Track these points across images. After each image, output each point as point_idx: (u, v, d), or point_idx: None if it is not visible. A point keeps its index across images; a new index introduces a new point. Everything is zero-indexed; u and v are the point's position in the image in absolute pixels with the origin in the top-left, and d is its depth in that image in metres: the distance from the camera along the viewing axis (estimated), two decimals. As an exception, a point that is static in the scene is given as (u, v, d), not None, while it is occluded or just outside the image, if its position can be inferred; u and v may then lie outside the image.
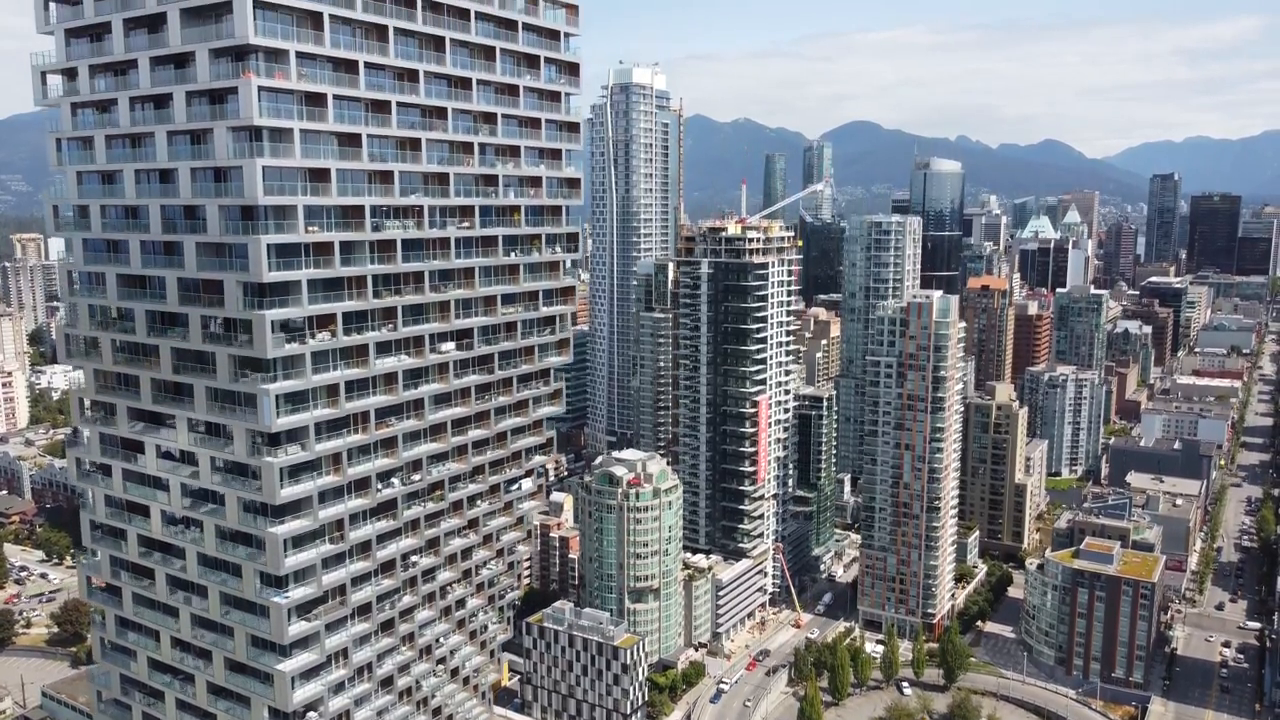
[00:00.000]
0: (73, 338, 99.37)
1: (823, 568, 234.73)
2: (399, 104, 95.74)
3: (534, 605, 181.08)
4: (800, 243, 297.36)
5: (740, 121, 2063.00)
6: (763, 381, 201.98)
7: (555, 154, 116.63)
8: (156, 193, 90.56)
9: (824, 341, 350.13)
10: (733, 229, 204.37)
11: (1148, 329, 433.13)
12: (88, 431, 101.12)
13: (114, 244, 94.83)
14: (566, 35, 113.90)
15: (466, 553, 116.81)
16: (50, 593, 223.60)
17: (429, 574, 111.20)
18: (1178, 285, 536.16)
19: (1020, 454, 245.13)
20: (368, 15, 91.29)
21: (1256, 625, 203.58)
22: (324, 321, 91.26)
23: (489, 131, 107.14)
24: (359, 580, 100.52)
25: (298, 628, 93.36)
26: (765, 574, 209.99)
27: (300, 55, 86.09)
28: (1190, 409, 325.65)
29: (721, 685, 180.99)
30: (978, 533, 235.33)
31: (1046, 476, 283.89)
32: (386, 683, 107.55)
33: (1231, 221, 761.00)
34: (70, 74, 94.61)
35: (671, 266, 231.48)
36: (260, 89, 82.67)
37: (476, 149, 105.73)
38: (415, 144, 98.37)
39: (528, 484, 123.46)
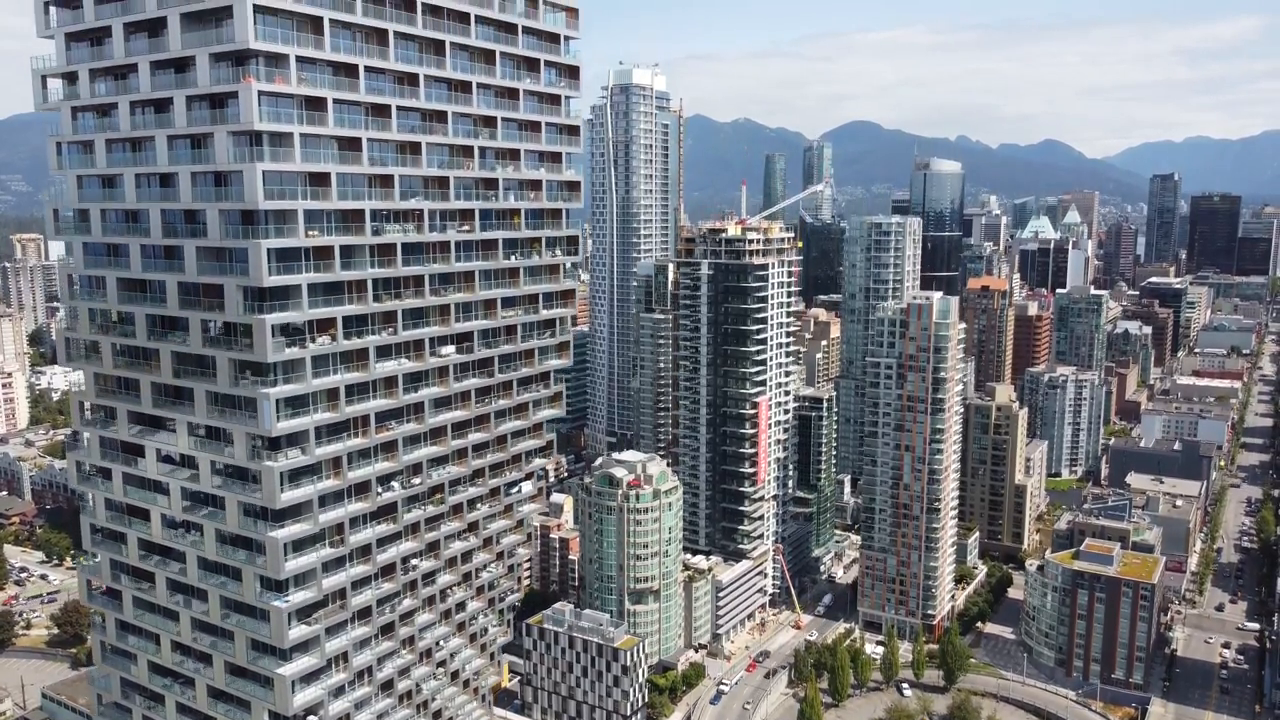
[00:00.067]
0: (73, 341, 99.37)
1: (823, 569, 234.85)
2: (399, 108, 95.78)
3: (534, 606, 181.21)
4: (800, 243, 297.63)
5: (740, 121, 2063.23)
6: (763, 382, 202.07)
7: (555, 157, 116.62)
8: (157, 197, 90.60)
9: (824, 342, 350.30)
10: (733, 230, 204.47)
11: (1148, 329, 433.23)
12: (88, 434, 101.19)
13: (114, 248, 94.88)
14: (566, 38, 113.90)
15: (467, 556, 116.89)
16: (49, 594, 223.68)
17: (429, 577, 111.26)
18: (1178, 285, 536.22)
19: (1020, 455, 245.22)
20: (368, 19, 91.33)
21: (1255, 626, 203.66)
22: (324, 325, 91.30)
23: (489, 135, 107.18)
24: (359, 584, 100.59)
25: (298, 631, 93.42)
26: (765, 575, 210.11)
27: (300, 60, 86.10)
28: (1190, 409, 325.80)
29: (721, 686, 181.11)
30: (978, 534, 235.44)
31: (1046, 477, 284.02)
32: (387, 686, 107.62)
33: (1231, 221, 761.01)
34: (71, 78, 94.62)
35: (671, 267, 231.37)
36: (260, 93, 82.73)
37: (476, 152, 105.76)
38: (415, 148, 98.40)
39: (528, 487, 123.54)
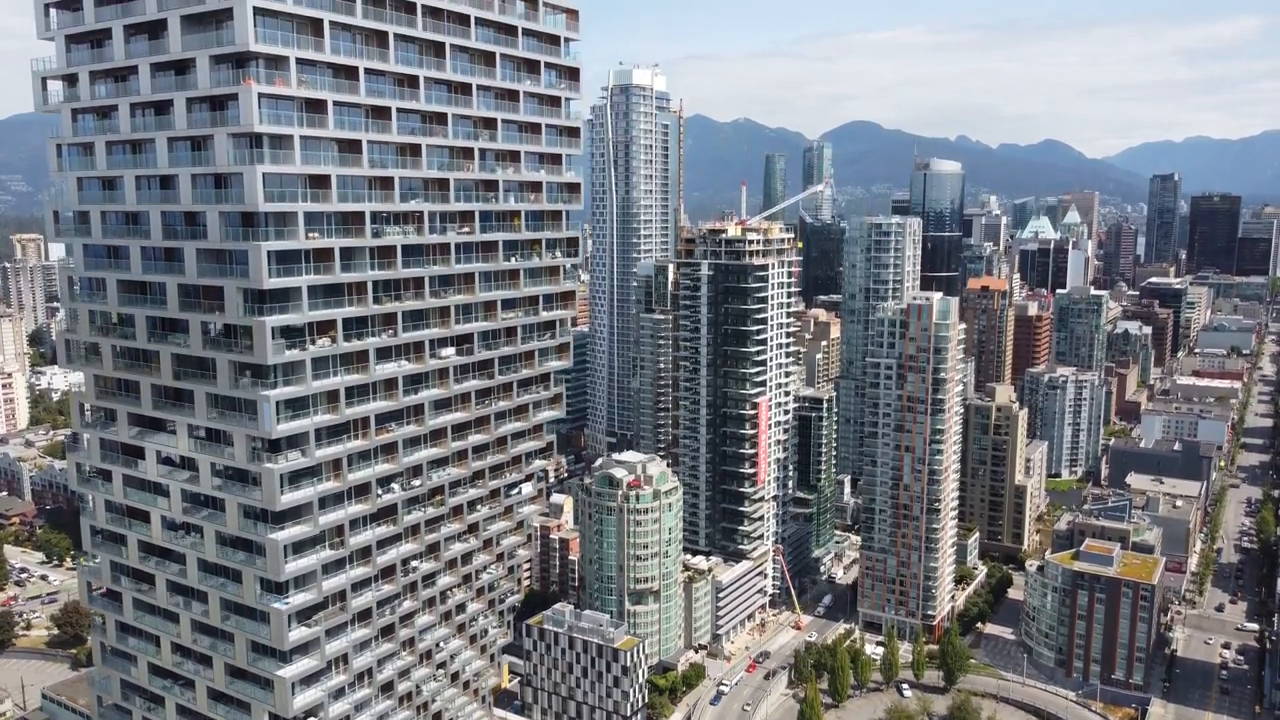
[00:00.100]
0: (73, 343, 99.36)
1: (823, 569, 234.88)
2: (399, 110, 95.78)
3: (534, 607, 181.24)
4: (800, 244, 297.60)
5: (740, 121, 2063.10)
6: (763, 383, 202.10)
7: (555, 159, 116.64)
8: (157, 199, 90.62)
9: (824, 343, 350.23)
10: (732, 231, 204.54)
11: (1148, 330, 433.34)
12: (88, 436, 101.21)
13: (114, 250, 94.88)
14: (566, 40, 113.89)
15: (467, 557, 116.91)
16: (48, 595, 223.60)
17: (429, 579, 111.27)
18: (1178, 286, 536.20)
19: (1020, 455, 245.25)
20: (368, 21, 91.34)
21: (1255, 627, 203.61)
22: (324, 327, 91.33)
23: (489, 137, 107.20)
24: (359, 585, 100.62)
25: (298, 633, 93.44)
26: (765, 576, 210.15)
27: (300, 62, 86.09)
28: (1190, 410, 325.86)
29: (721, 687, 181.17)
30: (978, 534, 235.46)
31: (1046, 478, 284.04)
32: (387, 688, 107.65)
33: (1231, 222, 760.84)
34: (71, 80, 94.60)
35: (671, 268, 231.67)
36: (260, 95, 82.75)
37: (477, 154, 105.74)
38: (415, 150, 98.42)
39: (528, 488, 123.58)
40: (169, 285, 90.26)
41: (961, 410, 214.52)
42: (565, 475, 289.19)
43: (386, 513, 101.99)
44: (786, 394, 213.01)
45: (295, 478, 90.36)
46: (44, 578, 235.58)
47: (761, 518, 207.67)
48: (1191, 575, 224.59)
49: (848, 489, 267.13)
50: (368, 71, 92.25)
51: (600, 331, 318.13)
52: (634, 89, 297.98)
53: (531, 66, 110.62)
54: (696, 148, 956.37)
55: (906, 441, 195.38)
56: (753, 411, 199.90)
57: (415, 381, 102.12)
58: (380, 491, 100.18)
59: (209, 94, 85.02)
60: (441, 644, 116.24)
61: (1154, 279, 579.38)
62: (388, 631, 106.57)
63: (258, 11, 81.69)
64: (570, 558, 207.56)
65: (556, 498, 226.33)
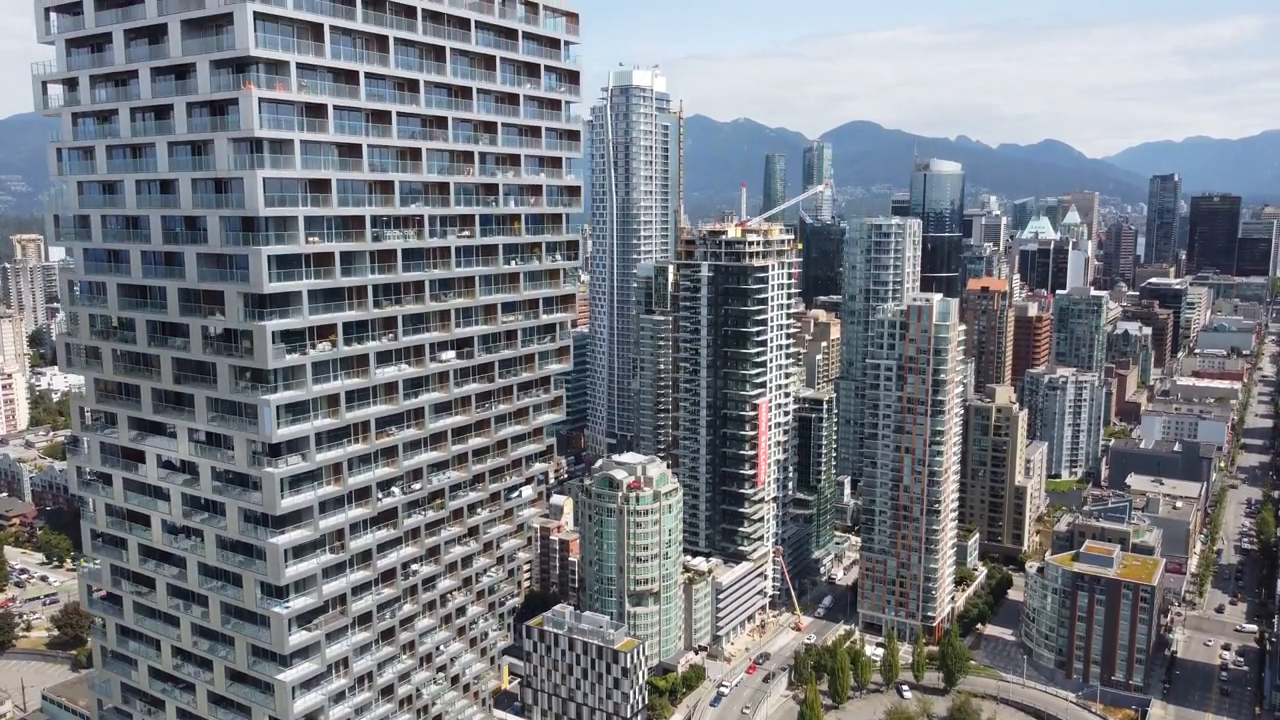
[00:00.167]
0: (73, 347, 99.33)
1: (823, 570, 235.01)
2: (399, 114, 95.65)
3: (534, 608, 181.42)
4: (800, 245, 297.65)
5: (740, 121, 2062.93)
6: (763, 384, 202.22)
7: (555, 162, 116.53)
8: (157, 203, 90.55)
9: (824, 343, 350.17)
10: (732, 232, 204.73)
11: (1148, 330, 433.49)
12: (88, 440, 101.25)
13: (115, 254, 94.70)
14: (566, 43, 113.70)
15: (466, 560, 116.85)
16: (47, 596, 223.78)
17: (429, 582, 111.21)
18: (1178, 286, 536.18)
19: (1020, 456, 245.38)
20: (368, 26, 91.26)
21: (1253, 628, 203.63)
22: (324, 331, 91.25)
23: (489, 140, 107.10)
24: (359, 589, 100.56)
25: (298, 637, 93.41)
26: (765, 577, 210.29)
27: (301, 66, 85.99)
28: (1190, 411, 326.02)
29: (721, 688, 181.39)
30: (978, 535, 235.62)
31: (1046, 479, 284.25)
32: (387, 691, 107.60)
33: (1231, 222, 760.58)
34: (71, 84, 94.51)
35: (671, 269, 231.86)
36: (261, 100, 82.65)
37: (477, 158, 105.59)
38: (415, 154, 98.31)
39: (528, 491, 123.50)
40: (169, 289, 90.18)
41: (961, 411, 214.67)
42: (565, 476, 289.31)
43: (387, 516, 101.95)
44: (786, 395, 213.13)
45: (295, 482, 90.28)
46: (44, 579, 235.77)
47: (761, 519, 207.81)
48: (1191, 576, 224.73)
49: (848, 490, 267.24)
50: (368, 76, 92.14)
51: (600, 332, 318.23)
52: (634, 90, 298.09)
53: (531, 70, 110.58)
54: (696, 148, 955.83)
55: (906, 443, 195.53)
56: (753, 413, 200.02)
57: (415, 385, 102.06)
58: (380, 495, 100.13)
59: (209, 99, 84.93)
60: (442, 647, 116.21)
61: (1154, 279, 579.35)
62: (388, 635, 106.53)
63: (258, 16, 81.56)
64: (570, 559, 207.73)
65: (556, 499, 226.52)
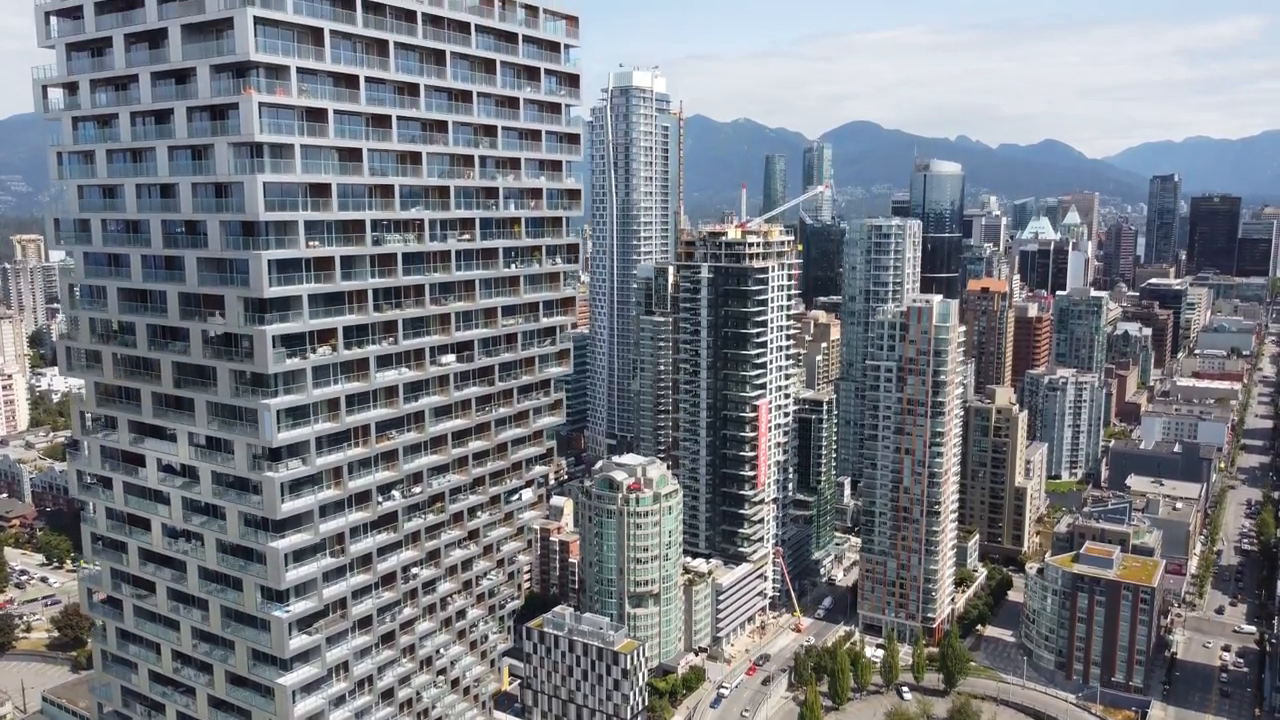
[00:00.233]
0: (73, 350, 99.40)
1: (823, 571, 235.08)
2: (399, 118, 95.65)
3: (534, 610, 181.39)
4: (800, 245, 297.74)
5: (740, 121, 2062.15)
6: (763, 385, 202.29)
7: (555, 165, 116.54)
8: (158, 207, 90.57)
9: (824, 344, 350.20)
10: (732, 233, 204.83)
11: (1147, 331, 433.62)
12: (88, 443, 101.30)
13: (115, 257, 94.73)
14: (566, 46, 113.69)
15: (467, 564, 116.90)
16: (45, 597, 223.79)
17: (429, 586, 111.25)
18: (1178, 287, 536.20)
19: (1020, 457, 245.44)
20: (368, 30, 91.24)
21: (1253, 629, 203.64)
22: (325, 336, 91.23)
23: (489, 144, 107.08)
24: (360, 593, 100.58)
25: (298, 641, 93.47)
26: (765, 578, 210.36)
27: (301, 71, 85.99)
28: (1190, 411, 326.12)
29: (721, 690, 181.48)
30: (978, 536, 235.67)
31: (1046, 480, 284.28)
32: (387, 695, 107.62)
33: (1231, 222, 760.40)
34: (71, 88, 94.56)
35: (671, 270, 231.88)
36: (261, 105, 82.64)
37: (477, 162, 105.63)
38: (416, 158, 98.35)
39: (528, 494, 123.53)
40: (169, 293, 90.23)
41: (961, 412, 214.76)
42: (565, 477, 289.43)
43: (387, 520, 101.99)
44: (786, 396, 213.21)
45: (296, 486, 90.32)
46: (44, 580, 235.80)
47: (761, 520, 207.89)
48: (1191, 577, 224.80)
49: (848, 491, 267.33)
50: (368, 80, 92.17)
51: (600, 333, 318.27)
52: (634, 91, 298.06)
53: (532, 73, 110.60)
54: (696, 148, 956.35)
55: (906, 444, 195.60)
56: (753, 414, 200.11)
57: (416, 389, 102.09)
58: (381, 499, 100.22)
59: (209, 103, 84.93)
60: (441, 650, 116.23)
61: (1154, 280, 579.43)
62: (388, 638, 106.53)
63: (258, 21, 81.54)
64: (570, 560, 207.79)
65: (557, 500, 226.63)
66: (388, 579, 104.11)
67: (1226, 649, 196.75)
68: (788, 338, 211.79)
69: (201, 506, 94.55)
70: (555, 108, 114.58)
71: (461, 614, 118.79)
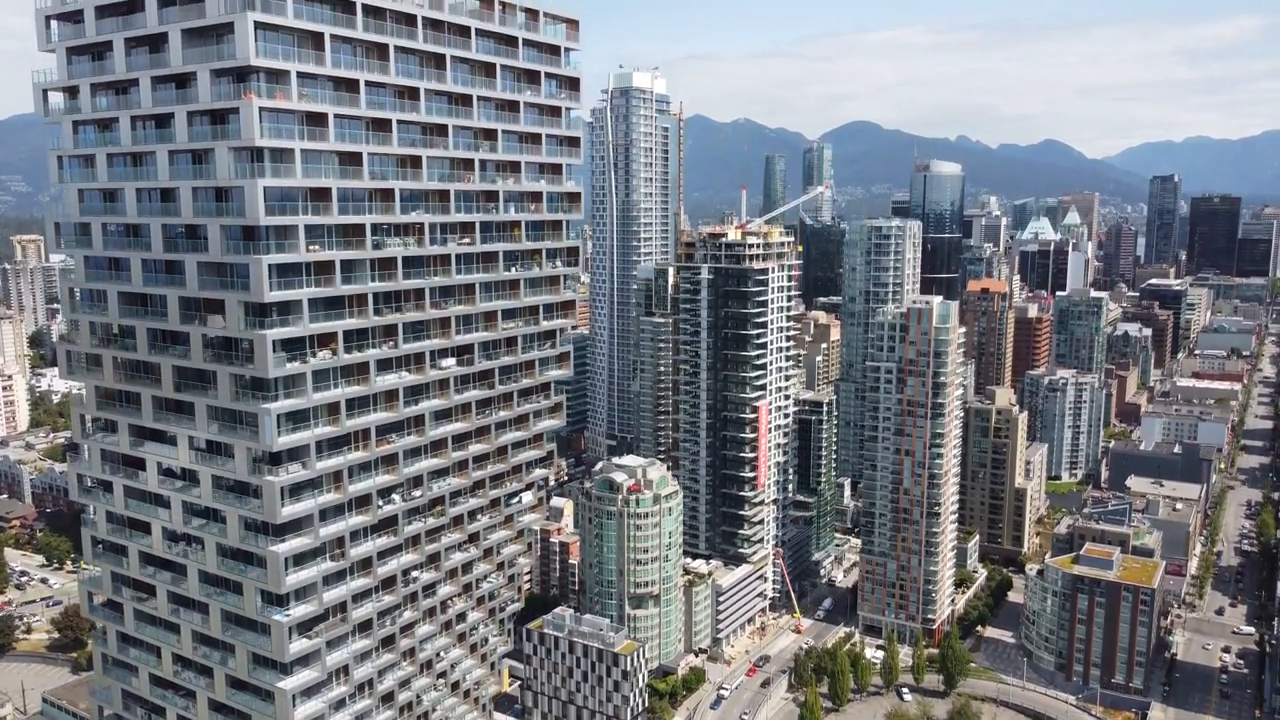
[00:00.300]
0: (74, 354, 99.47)
1: (823, 573, 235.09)
2: (400, 122, 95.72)
3: (534, 611, 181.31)
4: (800, 246, 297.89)
5: (740, 122, 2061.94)
6: (763, 386, 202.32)
7: (555, 169, 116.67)
8: (158, 211, 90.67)
9: (824, 345, 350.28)
10: (732, 234, 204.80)
11: (1147, 331, 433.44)
12: (88, 446, 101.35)
13: (115, 261, 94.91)
14: (566, 50, 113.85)
15: (467, 567, 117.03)
16: (45, 598, 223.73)
17: (429, 589, 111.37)
18: (1178, 287, 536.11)
19: (1020, 458, 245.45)
20: (369, 34, 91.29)
21: (1253, 630, 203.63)
22: (325, 340, 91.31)
23: (489, 148, 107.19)
24: (360, 597, 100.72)
25: (299, 645, 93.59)
26: (765, 579, 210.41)
27: (301, 75, 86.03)
28: (1190, 412, 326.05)
29: (722, 691, 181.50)
30: (978, 537, 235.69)
31: (1046, 480, 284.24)
32: (387, 698, 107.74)
33: (1231, 222, 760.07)
34: (72, 92, 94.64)
35: (671, 271, 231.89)
36: (261, 109, 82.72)
37: (477, 165, 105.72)
38: (416, 161, 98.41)
39: (528, 497, 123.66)
40: (170, 297, 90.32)
41: (961, 413, 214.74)
42: (565, 478, 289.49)
43: (387, 524, 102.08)
44: (786, 397, 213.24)
45: (296, 490, 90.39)
46: (44, 581, 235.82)
47: (761, 521, 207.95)
48: (1191, 578, 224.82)
49: (848, 492, 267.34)
50: (368, 84, 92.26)
51: (600, 334, 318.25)
52: (634, 92, 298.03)
53: (532, 77, 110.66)
54: (696, 148, 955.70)
55: (906, 445, 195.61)
56: (753, 415, 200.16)
57: (416, 392, 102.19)
58: (381, 503, 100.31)
59: (210, 107, 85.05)
60: (442, 653, 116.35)
61: (1154, 280, 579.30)
62: (388, 642, 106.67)
63: (259, 25, 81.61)
64: (570, 562, 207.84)
65: (557, 501, 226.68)
66: (388, 583, 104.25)
67: (1226, 650, 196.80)
68: (788, 339, 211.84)
69: (201, 510, 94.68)
70: (555, 111, 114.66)
71: (462, 617, 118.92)
